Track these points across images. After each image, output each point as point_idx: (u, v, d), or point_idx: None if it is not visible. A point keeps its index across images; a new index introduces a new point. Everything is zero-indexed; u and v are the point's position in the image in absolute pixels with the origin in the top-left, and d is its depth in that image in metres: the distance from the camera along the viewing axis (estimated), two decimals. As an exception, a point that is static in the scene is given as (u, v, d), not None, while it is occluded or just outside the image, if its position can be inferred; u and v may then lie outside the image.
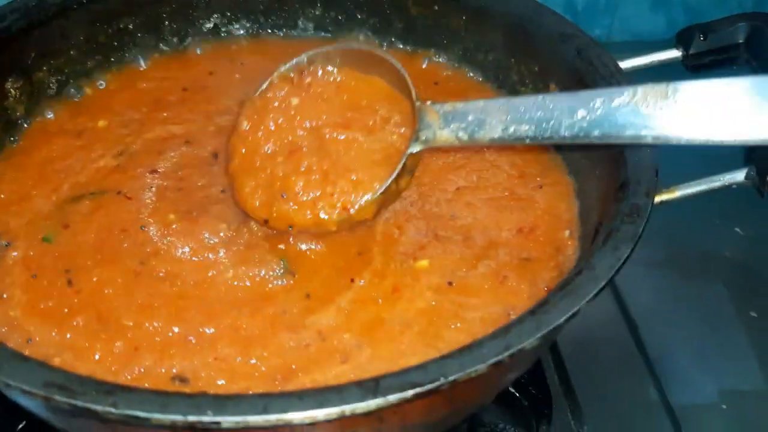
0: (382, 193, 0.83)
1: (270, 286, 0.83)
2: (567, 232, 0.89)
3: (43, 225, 0.89)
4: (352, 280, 0.83)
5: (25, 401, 0.71)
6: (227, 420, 0.59)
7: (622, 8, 1.54)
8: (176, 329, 0.78)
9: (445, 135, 0.82)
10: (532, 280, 0.83)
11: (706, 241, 1.22)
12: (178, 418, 0.59)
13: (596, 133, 0.76)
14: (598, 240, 0.75)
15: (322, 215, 0.83)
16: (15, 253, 0.86)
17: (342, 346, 0.77)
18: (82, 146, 0.98)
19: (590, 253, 0.73)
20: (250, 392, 0.71)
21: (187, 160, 0.96)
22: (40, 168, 0.96)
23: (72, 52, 1.05)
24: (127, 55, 1.10)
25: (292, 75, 0.89)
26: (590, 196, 0.90)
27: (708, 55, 0.96)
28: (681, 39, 0.97)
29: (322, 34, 1.15)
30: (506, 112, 0.80)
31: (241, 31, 1.15)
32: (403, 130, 0.85)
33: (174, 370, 0.75)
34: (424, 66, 1.11)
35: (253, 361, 0.76)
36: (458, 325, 0.79)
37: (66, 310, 0.80)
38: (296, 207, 0.83)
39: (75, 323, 0.79)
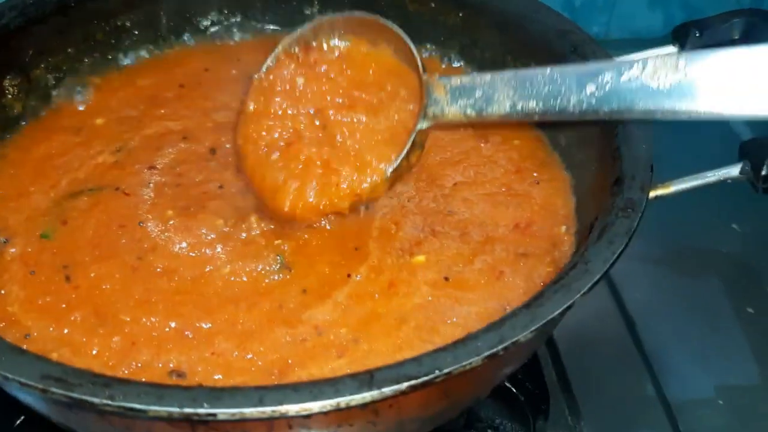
0: (393, 171, 0.84)
1: (267, 281, 0.83)
2: (563, 228, 0.89)
3: (41, 221, 0.89)
4: (349, 276, 0.83)
5: (23, 395, 0.71)
6: (223, 412, 0.60)
7: (620, 5, 1.54)
8: (173, 324, 0.79)
9: (453, 111, 0.82)
10: (528, 275, 0.84)
11: (703, 238, 1.22)
12: (174, 409, 0.60)
13: (605, 109, 0.75)
14: (593, 234, 0.75)
15: (333, 199, 0.84)
16: (13, 249, 0.86)
17: (338, 341, 0.77)
18: (80, 143, 0.99)
19: (585, 248, 0.74)
20: (247, 385, 0.72)
21: (185, 156, 0.97)
22: (38, 165, 0.96)
23: (69, 50, 1.06)
24: (124, 52, 1.11)
25: (297, 51, 0.89)
26: (586, 191, 0.90)
27: (704, 52, 0.96)
28: (677, 35, 0.97)
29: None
30: (514, 87, 0.79)
31: (238, 29, 1.16)
32: (411, 106, 0.85)
33: (171, 365, 0.75)
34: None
35: (250, 355, 0.76)
36: (454, 319, 0.79)
37: (64, 306, 0.81)
38: (313, 193, 0.84)
39: (73, 318, 0.79)
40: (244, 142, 0.89)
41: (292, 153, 0.87)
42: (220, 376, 0.75)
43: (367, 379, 0.61)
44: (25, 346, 0.74)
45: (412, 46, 0.84)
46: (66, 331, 0.78)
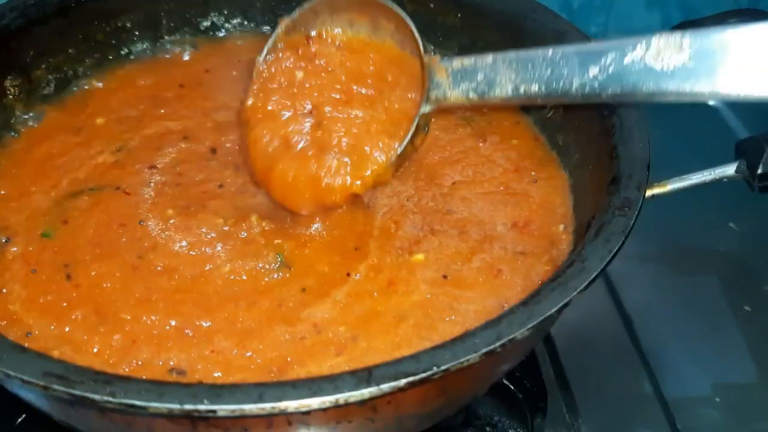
0: (398, 155, 0.84)
1: (266, 279, 0.83)
2: (561, 227, 0.89)
3: (42, 220, 0.89)
4: (348, 274, 0.84)
5: (24, 392, 0.72)
6: (223, 408, 0.60)
7: (618, 5, 1.55)
8: (173, 322, 0.79)
9: (455, 95, 0.82)
10: (526, 273, 0.84)
11: (700, 236, 1.23)
12: (174, 406, 0.60)
13: (608, 92, 0.74)
14: (590, 232, 0.76)
15: (346, 183, 0.85)
16: (15, 249, 0.87)
17: (337, 339, 0.78)
18: (81, 143, 0.99)
19: (582, 246, 0.74)
20: (246, 383, 0.72)
21: (185, 155, 0.97)
22: (39, 164, 0.97)
23: (70, 51, 1.06)
24: (124, 53, 1.11)
25: (296, 38, 0.89)
26: (584, 190, 0.91)
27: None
28: (673, 35, 0.97)
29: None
30: (516, 70, 0.79)
31: (238, 29, 1.16)
32: (412, 95, 0.86)
33: (171, 363, 0.76)
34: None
35: (249, 353, 0.76)
36: (453, 317, 0.80)
37: (65, 304, 0.81)
38: (328, 183, 0.85)
39: (74, 317, 0.80)
40: (253, 141, 0.89)
41: (305, 140, 0.87)
42: (219, 374, 0.75)
43: (365, 376, 0.62)
44: (26, 345, 0.74)
45: (413, 26, 0.84)
46: (67, 329, 0.79)
